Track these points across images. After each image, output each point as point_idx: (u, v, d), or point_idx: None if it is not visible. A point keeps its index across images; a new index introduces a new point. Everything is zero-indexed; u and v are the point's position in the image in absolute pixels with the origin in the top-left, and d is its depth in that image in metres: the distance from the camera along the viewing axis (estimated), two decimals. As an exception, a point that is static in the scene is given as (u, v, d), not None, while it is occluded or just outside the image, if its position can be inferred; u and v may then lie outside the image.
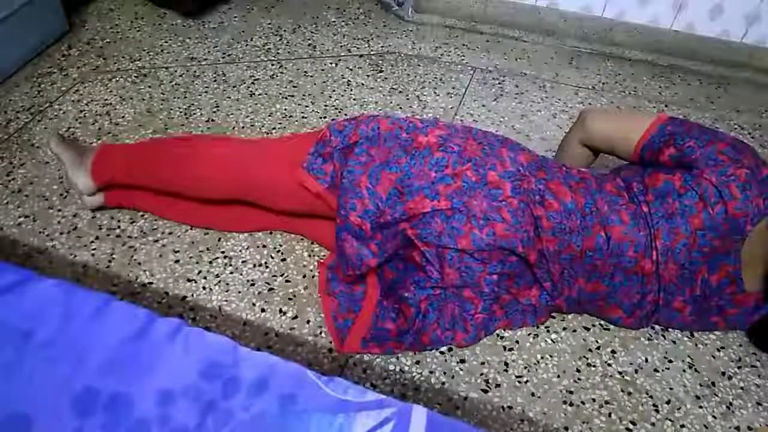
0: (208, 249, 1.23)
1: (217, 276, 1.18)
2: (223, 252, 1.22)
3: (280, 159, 1.10)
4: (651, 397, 1.04)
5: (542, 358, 1.09)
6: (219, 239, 1.24)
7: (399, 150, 1.03)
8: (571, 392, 1.04)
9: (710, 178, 0.97)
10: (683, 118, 1.07)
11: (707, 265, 1.00)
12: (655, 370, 1.08)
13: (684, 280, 1.01)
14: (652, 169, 1.05)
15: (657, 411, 1.02)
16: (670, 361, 1.09)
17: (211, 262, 1.20)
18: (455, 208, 0.98)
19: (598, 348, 1.10)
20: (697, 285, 1.02)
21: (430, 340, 1.06)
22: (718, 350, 1.12)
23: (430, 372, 1.05)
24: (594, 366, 1.08)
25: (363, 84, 1.73)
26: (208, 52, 1.82)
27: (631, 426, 1.00)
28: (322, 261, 1.18)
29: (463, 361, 1.07)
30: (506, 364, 1.07)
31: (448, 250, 0.99)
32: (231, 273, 1.19)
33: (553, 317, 1.15)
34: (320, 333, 1.09)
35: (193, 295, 1.14)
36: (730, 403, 1.04)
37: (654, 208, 1.00)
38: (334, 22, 2.02)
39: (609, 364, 1.08)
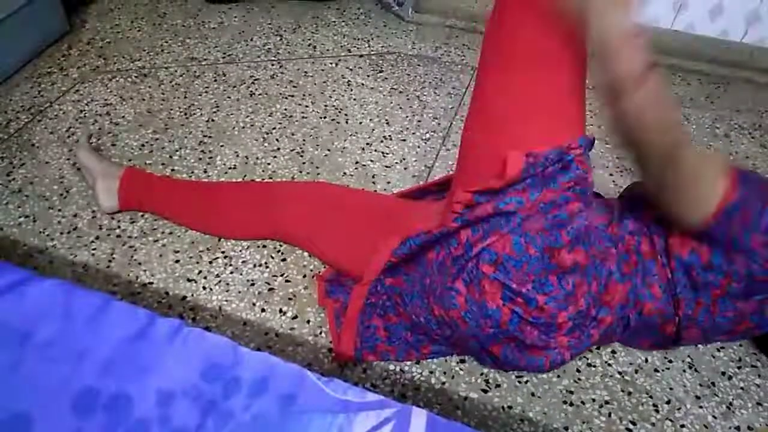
0: (208, 249, 1.23)
1: (217, 276, 1.18)
2: (223, 252, 1.22)
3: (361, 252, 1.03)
4: (651, 397, 1.04)
5: (542, 358, 1.08)
6: (219, 239, 1.24)
7: None
8: (571, 392, 1.04)
9: (746, 263, 0.87)
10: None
11: (730, 325, 0.94)
12: (655, 370, 1.08)
13: (705, 335, 0.97)
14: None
15: (657, 411, 1.02)
16: (670, 361, 1.09)
17: (211, 262, 1.20)
18: None
19: (598, 348, 1.10)
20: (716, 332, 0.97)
21: (431, 351, 1.05)
22: (718, 350, 1.12)
23: (430, 372, 1.05)
24: (594, 366, 1.08)
25: (363, 84, 1.73)
26: (208, 52, 1.82)
27: (631, 426, 1.00)
28: (319, 273, 1.17)
29: (463, 361, 1.07)
30: (506, 364, 1.07)
31: None
32: (231, 273, 1.19)
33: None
34: (320, 333, 1.09)
35: (193, 295, 1.14)
36: (730, 403, 1.04)
37: (677, 278, 0.92)
38: (334, 22, 2.02)
39: (609, 364, 1.08)
